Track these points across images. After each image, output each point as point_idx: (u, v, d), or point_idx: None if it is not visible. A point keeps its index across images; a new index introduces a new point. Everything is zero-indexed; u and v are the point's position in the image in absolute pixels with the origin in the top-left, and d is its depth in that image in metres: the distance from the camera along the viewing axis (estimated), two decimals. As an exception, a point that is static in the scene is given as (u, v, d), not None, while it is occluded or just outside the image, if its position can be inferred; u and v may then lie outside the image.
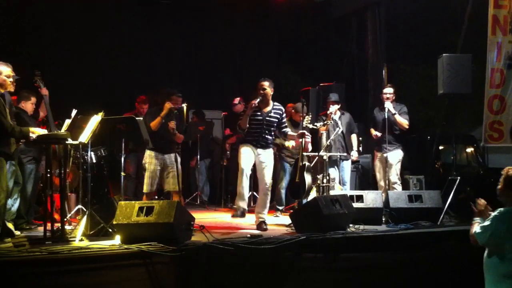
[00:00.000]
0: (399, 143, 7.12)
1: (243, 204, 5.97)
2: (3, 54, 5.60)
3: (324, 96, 8.57)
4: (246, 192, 6.01)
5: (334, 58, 10.84)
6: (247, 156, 5.97)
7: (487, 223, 3.75)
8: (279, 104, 6.17)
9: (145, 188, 6.23)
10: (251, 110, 5.93)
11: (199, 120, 9.08)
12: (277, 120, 6.12)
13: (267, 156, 6.06)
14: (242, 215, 5.95)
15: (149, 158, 6.26)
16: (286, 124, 6.34)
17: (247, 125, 5.94)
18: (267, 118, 6.04)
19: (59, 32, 8.75)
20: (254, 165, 6.12)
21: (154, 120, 6.19)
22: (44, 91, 5.96)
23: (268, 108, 6.08)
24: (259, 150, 6.02)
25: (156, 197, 6.59)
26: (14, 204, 5.54)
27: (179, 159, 6.37)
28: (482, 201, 4.01)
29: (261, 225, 5.92)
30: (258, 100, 5.90)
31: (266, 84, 5.99)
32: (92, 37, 8.99)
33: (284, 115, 6.24)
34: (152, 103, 7.81)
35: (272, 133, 6.17)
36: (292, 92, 10.03)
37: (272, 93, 6.06)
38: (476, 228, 3.83)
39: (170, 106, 6.18)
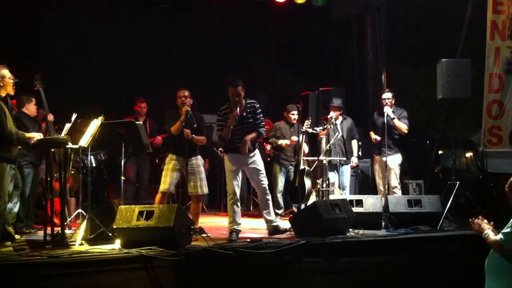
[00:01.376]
0: (398, 147, 7.13)
1: (237, 226, 5.69)
2: (3, 56, 5.60)
3: (324, 101, 8.59)
4: (240, 215, 5.79)
5: (334, 61, 10.86)
6: (234, 176, 5.71)
7: (508, 229, 3.79)
8: (251, 100, 5.87)
9: (161, 187, 5.96)
10: (234, 121, 5.64)
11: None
12: (252, 115, 5.79)
13: (256, 160, 5.83)
14: (237, 237, 5.60)
15: (168, 159, 6.04)
16: (262, 120, 5.90)
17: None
18: (243, 115, 5.73)
19: (59, 35, 8.74)
20: (244, 172, 5.89)
21: (174, 125, 5.92)
22: (50, 117, 5.96)
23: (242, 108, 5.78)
24: (248, 158, 5.75)
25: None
26: (13, 207, 5.54)
27: (201, 162, 6.09)
28: (480, 218, 4.07)
29: (277, 229, 5.76)
30: (238, 108, 5.63)
31: (240, 88, 5.64)
32: (92, 40, 8.99)
33: (259, 110, 5.86)
34: (151, 104, 7.83)
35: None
36: (291, 95, 10.04)
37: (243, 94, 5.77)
38: (497, 237, 3.85)
39: (186, 109, 5.86)
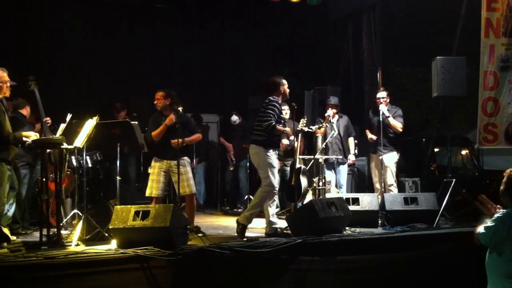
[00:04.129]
0: (394, 145, 7.14)
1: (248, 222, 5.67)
2: (1, 57, 5.58)
3: (320, 99, 8.60)
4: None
5: (331, 61, 10.87)
6: (276, 173, 5.72)
7: (490, 224, 3.80)
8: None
9: (153, 192, 5.93)
10: None
11: (196, 124, 9.07)
12: None
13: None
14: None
15: (153, 163, 6.01)
16: None
17: None
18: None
19: (56, 36, 8.74)
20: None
21: (157, 130, 5.94)
22: (48, 121, 5.94)
23: None
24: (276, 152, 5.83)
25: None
26: (10, 209, 5.53)
27: (188, 161, 6.07)
28: (483, 197, 3.98)
29: (276, 233, 5.66)
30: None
31: None
32: (89, 41, 8.99)
33: None
34: (149, 105, 7.79)
35: None
36: (289, 95, 10.06)
37: None
38: (480, 228, 3.87)
39: (170, 121, 5.90)
